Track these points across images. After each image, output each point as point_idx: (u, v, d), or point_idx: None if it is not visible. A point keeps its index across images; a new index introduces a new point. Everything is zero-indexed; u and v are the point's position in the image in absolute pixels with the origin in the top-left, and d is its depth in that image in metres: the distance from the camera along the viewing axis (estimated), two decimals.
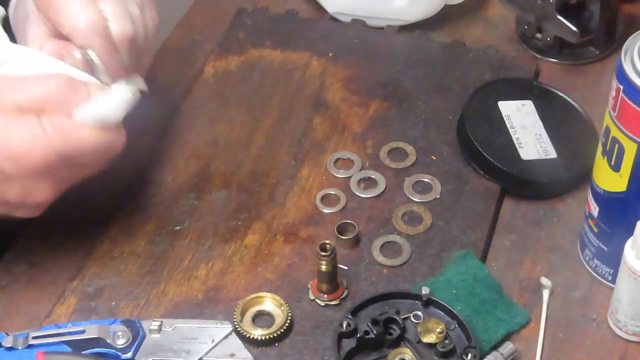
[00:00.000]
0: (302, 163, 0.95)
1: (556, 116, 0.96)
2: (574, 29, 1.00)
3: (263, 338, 0.80)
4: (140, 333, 0.79)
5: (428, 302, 0.80)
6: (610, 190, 0.79)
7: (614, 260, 0.81)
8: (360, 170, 0.94)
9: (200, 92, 1.02)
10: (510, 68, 1.03)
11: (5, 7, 0.89)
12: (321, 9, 1.10)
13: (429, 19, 1.08)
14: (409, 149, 0.95)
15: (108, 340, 0.78)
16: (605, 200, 0.80)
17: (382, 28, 1.08)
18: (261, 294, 0.83)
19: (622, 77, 0.73)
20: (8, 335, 0.78)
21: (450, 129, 0.96)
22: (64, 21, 0.80)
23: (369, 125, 0.98)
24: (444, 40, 1.07)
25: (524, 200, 0.91)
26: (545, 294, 0.84)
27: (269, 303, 0.82)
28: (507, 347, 0.79)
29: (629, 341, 0.81)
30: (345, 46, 1.06)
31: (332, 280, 0.82)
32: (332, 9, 1.09)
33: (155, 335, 0.79)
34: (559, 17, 1.01)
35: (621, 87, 0.74)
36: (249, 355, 0.79)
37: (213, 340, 0.79)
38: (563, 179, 0.91)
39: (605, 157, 0.78)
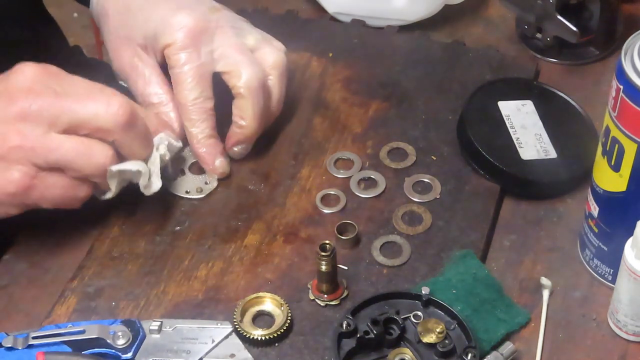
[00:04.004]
0: (302, 163, 0.95)
1: (556, 116, 0.96)
2: (574, 29, 1.00)
3: (263, 338, 0.80)
4: (141, 333, 0.79)
5: (428, 302, 0.80)
6: (610, 190, 0.79)
7: (614, 260, 0.81)
8: (360, 170, 0.94)
9: None
10: (510, 68, 1.03)
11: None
12: (321, 9, 1.10)
13: (429, 19, 1.08)
14: (409, 149, 0.95)
15: (108, 341, 0.78)
16: (605, 200, 0.80)
17: (382, 28, 1.08)
18: (261, 294, 0.83)
19: (622, 77, 0.73)
20: (8, 335, 0.78)
21: (450, 129, 0.96)
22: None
23: (369, 125, 0.98)
24: (444, 40, 1.07)
25: (524, 200, 0.91)
26: (545, 294, 0.84)
27: (269, 303, 0.82)
28: (507, 347, 0.79)
29: (629, 341, 0.81)
30: (345, 46, 1.06)
31: (332, 281, 0.82)
32: (332, 9, 1.09)
33: (156, 336, 0.79)
34: (559, 17, 1.01)
35: (621, 87, 0.74)
36: (249, 355, 0.79)
37: (213, 341, 0.79)
38: (563, 179, 0.91)
39: (605, 157, 0.78)
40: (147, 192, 0.86)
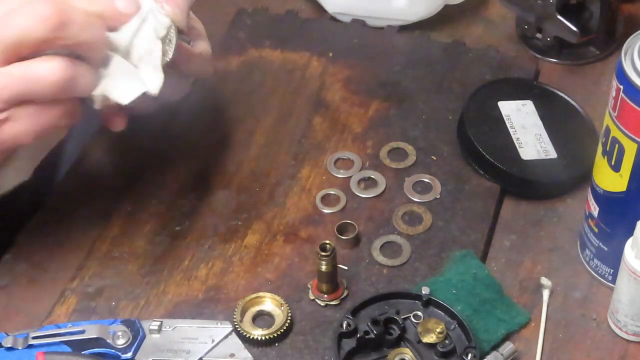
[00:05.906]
0: (302, 163, 0.95)
1: (556, 116, 0.96)
2: (574, 29, 1.00)
3: (263, 338, 0.80)
4: (140, 333, 0.79)
5: (428, 302, 0.80)
6: (610, 190, 0.79)
7: (614, 260, 0.81)
8: (360, 170, 0.94)
9: (201, 92, 1.02)
10: (510, 68, 1.03)
11: None
12: (321, 9, 1.10)
13: (429, 19, 1.08)
14: (409, 149, 0.95)
15: (108, 340, 0.78)
16: (605, 200, 0.80)
17: (382, 28, 1.08)
18: (261, 294, 0.83)
19: (622, 77, 0.73)
20: (8, 335, 0.78)
21: (450, 129, 0.96)
22: None
23: (369, 125, 0.98)
24: (444, 40, 1.07)
25: (524, 200, 0.91)
26: (545, 294, 0.84)
27: (269, 303, 0.82)
28: (507, 347, 0.79)
29: (629, 341, 0.81)
30: (345, 46, 1.06)
31: (332, 280, 0.82)
32: (332, 9, 1.09)
33: (155, 335, 0.79)
34: (559, 17, 1.01)
35: (621, 87, 0.74)
36: (249, 355, 0.79)
37: (213, 341, 0.79)
38: (563, 179, 0.91)
39: (605, 157, 0.78)
40: (154, 89, 0.74)
